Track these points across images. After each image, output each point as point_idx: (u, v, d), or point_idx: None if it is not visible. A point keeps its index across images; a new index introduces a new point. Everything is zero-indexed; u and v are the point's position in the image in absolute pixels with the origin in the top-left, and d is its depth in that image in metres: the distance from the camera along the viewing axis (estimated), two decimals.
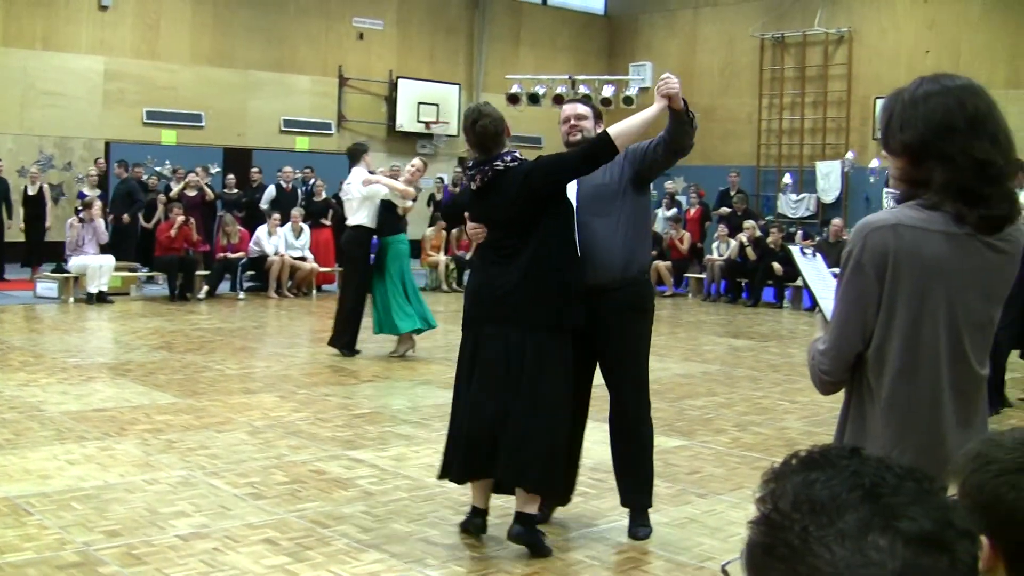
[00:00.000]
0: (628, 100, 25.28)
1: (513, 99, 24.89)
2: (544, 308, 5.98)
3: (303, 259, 20.03)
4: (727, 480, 7.82)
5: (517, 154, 6.20)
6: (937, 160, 3.03)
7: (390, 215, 12.78)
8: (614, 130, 5.97)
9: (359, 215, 12.86)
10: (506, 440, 5.90)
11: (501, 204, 6.09)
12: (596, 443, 8.84)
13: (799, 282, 20.19)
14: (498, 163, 6.11)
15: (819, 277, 3.62)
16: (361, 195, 12.76)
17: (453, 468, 6.22)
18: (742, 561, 1.31)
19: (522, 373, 5.93)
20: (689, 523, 6.72)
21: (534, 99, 24.82)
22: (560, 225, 6.02)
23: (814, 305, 3.54)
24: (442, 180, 24.76)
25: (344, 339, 12.87)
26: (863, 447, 3.00)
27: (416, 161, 13.38)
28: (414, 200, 13.07)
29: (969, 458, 1.91)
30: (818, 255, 3.80)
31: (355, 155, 13.40)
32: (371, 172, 13.16)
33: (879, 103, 24.51)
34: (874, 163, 23.88)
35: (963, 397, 3.14)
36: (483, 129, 6.13)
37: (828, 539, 1.21)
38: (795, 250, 3.82)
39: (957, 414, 3.12)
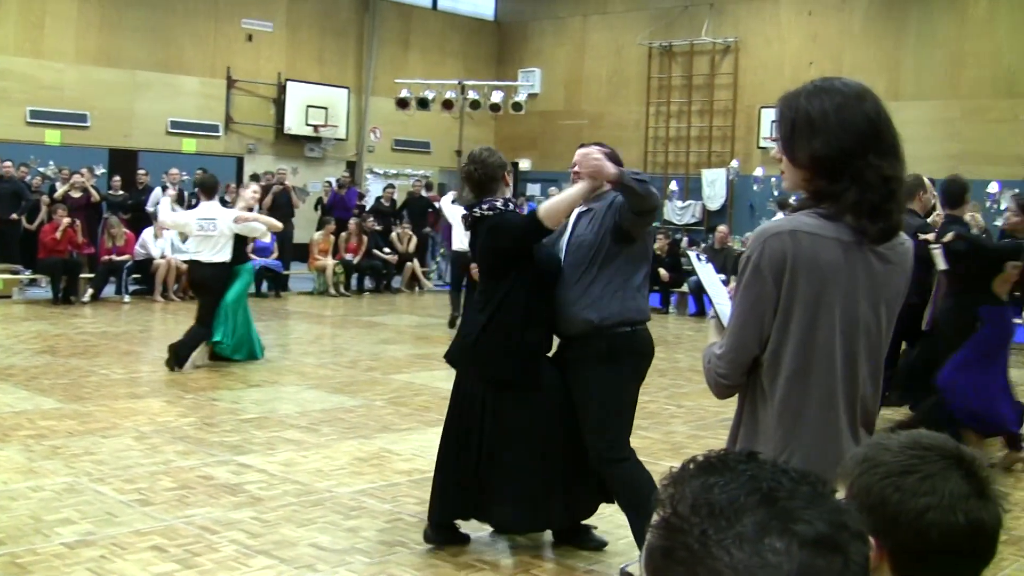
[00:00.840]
0: (517, 106, 25.37)
1: (402, 103, 24.83)
2: (497, 364, 6.04)
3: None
4: None
5: (498, 203, 6.16)
6: (852, 179, 3.09)
7: (241, 244, 12.74)
8: (542, 210, 5.93)
9: (224, 251, 12.40)
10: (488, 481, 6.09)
11: (477, 250, 6.26)
12: None
13: (684, 288, 20.46)
14: (475, 209, 6.17)
15: (713, 282, 3.68)
16: (230, 232, 12.46)
17: (437, 507, 6.30)
18: (641, 564, 1.33)
19: (482, 423, 6.05)
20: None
21: (423, 104, 24.80)
22: (527, 281, 6.00)
23: (711, 310, 3.58)
24: (330, 183, 24.62)
25: (183, 353, 12.24)
26: (758, 450, 3.11)
27: (254, 186, 14.11)
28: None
29: (857, 461, 1.98)
30: (709, 262, 3.87)
31: (212, 189, 12.89)
32: (224, 203, 13.03)
33: (764, 112, 25.09)
34: (758, 171, 24.27)
35: (854, 401, 3.21)
36: (467, 174, 6.26)
37: (727, 542, 1.24)
38: (692, 255, 3.88)
39: (848, 417, 3.19)
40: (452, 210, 15.98)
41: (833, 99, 3.13)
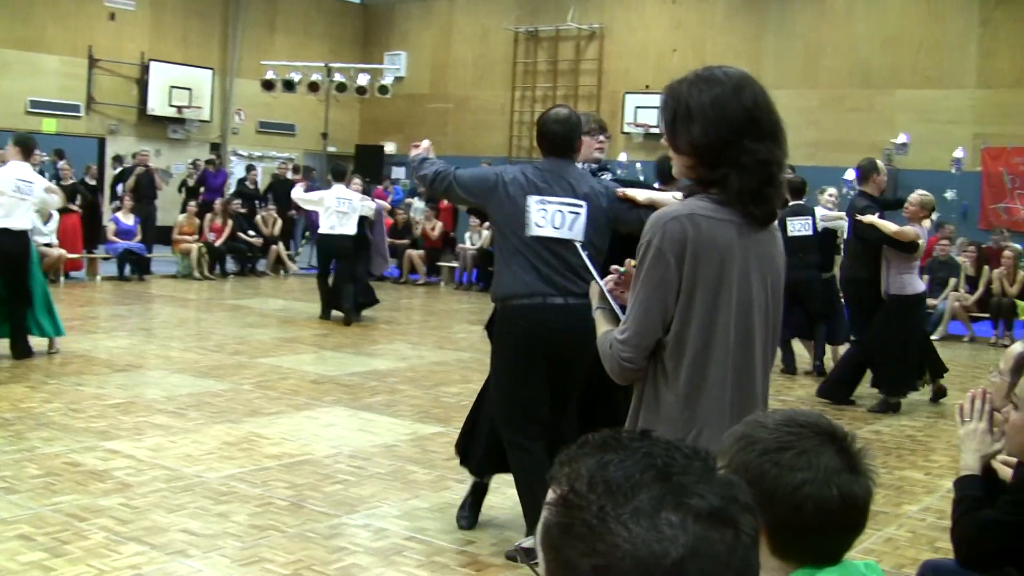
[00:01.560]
0: (383, 89, 25.35)
1: (268, 85, 24.65)
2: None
3: (50, 245, 19.42)
4: None
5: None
6: (730, 165, 3.20)
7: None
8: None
9: (28, 217, 11.85)
10: None
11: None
12: (352, 431, 8.98)
13: None
14: None
15: (595, 272, 3.75)
16: (39, 199, 11.93)
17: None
18: (537, 541, 1.39)
19: None
20: (449, 508, 6.85)
21: (289, 86, 24.62)
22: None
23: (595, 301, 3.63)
24: (195, 165, 24.31)
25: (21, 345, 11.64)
26: (655, 430, 3.22)
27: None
28: None
29: (735, 439, 2.09)
30: (584, 250, 3.95)
31: (30, 150, 12.10)
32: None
33: (628, 98, 25.37)
34: (622, 156, 24.53)
35: (749, 377, 3.33)
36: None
37: (624, 517, 1.29)
38: (578, 246, 3.95)
39: (741, 394, 3.31)
40: (314, 197, 15.84)
41: (712, 89, 3.23)
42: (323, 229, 15.65)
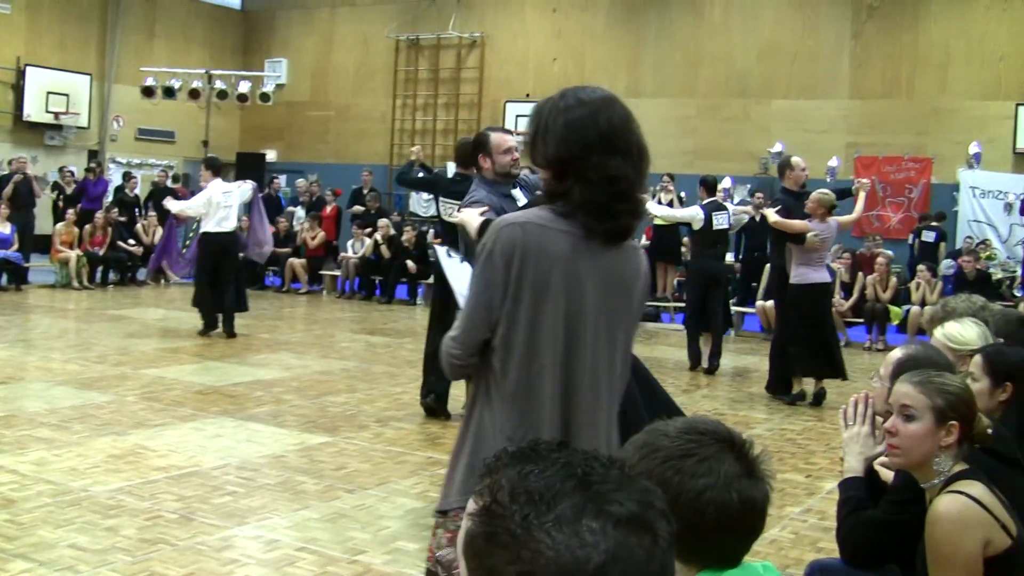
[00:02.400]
0: (265, 97, 25.23)
1: (148, 92, 24.37)
2: None
3: None
4: (373, 475, 8.04)
5: None
6: (576, 178, 3.32)
7: None
8: None
9: None
10: None
11: None
12: (239, 441, 8.96)
13: (431, 280, 20.71)
14: None
15: (461, 278, 3.86)
16: None
17: None
18: (458, 550, 1.46)
19: None
20: (339, 518, 6.90)
21: (169, 92, 24.38)
22: None
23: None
24: (72, 173, 23.87)
25: None
26: (488, 428, 3.33)
27: None
28: None
29: (637, 447, 2.17)
30: (465, 262, 4.05)
31: None
32: None
33: (509, 107, 25.53)
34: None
35: (574, 384, 3.43)
36: None
37: (547, 525, 1.36)
38: (442, 251, 4.05)
39: (564, 398, 3.41)
40: (199, 201, 15.04)
41: (571, 110, 3.36)
42: (209, 227, 14.93)
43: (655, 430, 2.21)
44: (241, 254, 16.21)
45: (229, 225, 15.05)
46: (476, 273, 3.40)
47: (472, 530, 1.42)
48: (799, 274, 11.53)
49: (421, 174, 12.33)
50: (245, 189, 15.64)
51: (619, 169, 3.33)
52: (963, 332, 5.00)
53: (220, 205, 14.86)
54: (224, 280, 15.16)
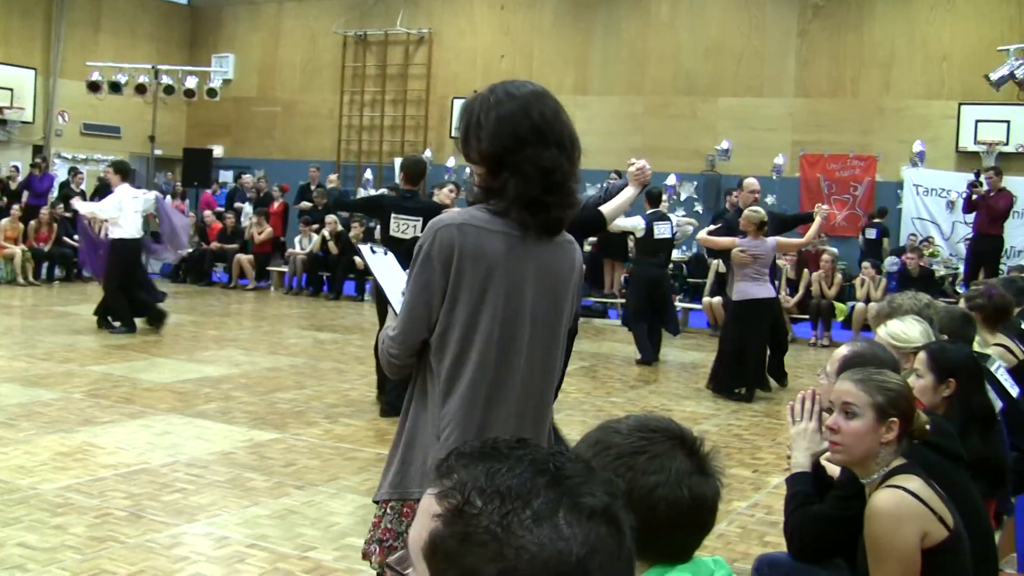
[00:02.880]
0: (212, 92, 25.10)
1: (94, 87, 24.18)
2: None
3: None
4: (323, 471, 8.05)
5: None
6: (510, 172, 3.36)
7: None
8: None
9: None
10: None
11: None
12: (188, 439, 8.94)
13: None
14: None
15: (389, 273, 3.88)
16: None
17: None
18: (415, 552, 1.46)
19: None
20: (289, 514, 6.91)
21: (115, 87, 24.20)
22: None
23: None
24: (17, 169, 23.64)
25: None
26: (425, 424, 3.37)
27: None
28: None
29: (589, 444, 2.21)
30: (389, 253, 4.05)
31: None
32: None
33: (457, 103, 25.56)
34: (451, 161, 24.72)
35: (512, 388, 3.48)
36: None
37: (527, 522, 1.38)
38: (365, 249, 4.04)
39: (500, 403, 3.47)
40: (111, 205, 14.65)
41: (501, 104, 3.39)
42: (123, 234, 14.64)
43: (607, 427, 2.25)
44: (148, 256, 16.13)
45: (138, 231, 14.92)
46: (414, 274, 3.43)
47: (440, 532, 1.43)
48: (740, 290, 11.87)
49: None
50: (148, 198, 15.49)
51: (553, 160, 3.37)
52: (906, 330, 5.09)
53: (130, 210, 14.63)
54: (136, 284, 15.09)
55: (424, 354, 3.49)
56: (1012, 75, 17.67)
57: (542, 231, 3.43)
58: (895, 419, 3.66)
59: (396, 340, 3.47)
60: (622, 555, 1.44)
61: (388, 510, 3.61)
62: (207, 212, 24.32)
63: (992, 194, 17.89)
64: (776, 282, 13.72)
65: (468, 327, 3.40)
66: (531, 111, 3.37)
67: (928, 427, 3.77)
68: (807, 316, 17.91)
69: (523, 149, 3.33)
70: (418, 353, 3.50)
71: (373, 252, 3.97)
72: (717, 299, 15.76)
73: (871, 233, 20.57)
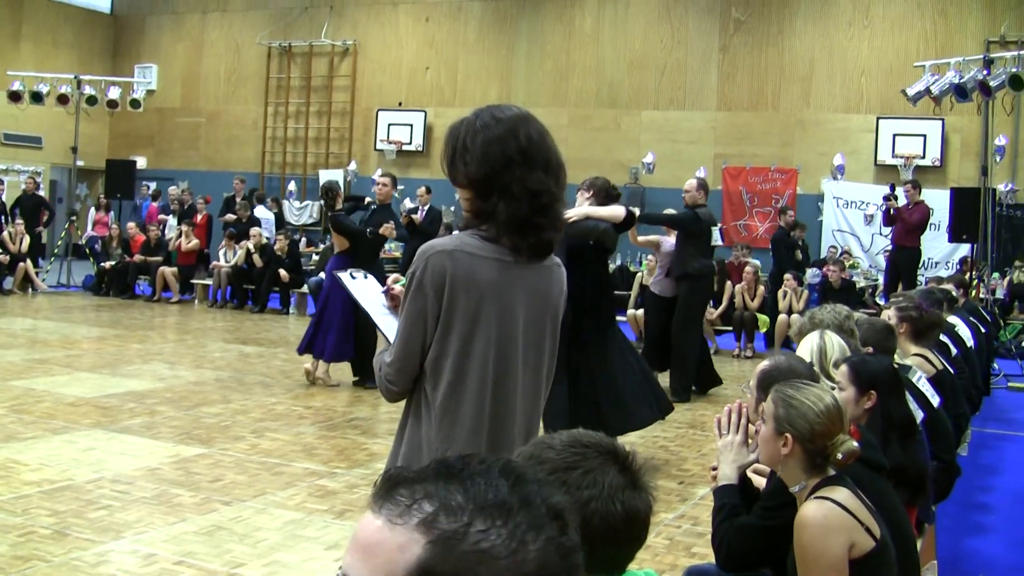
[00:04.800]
0: (136, 103, 24.90)
1: (14, 96, 23.92)
2: None
3: None
4: (250, 486, 8.01)
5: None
6: (499, 195, 3.38)
7: None
8: None
9: None
10: None
11: None
12: (113, 454, 8.88)
13: (304, 289, 20.64)
14: None
15: (371, 296, 3.89)
16: None
17: None
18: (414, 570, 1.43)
19: None
20: (217, 530, 6.88)
21: (37, 97, 23.96)
22: None
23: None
24: None
25: None
26: (421, 449, 3.39)
27: None
28: None
29: (523, 459, 2.24)
30: (369, 276, 4.06)
31: None
32: None
33: (381, 115, 25.59)
34: (376, 173, 24.65)
35: (507, 408, 3.51)
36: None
37: (522, 533, 1.42)
38: (345, 275, 4.04)
39: (497, 422, 3.50)
40: None
41: (488, 128, 3.41)
42: None
43: (541, 443, 2.29)
44: None
45: None
46: (407, 302, 3.43)
47: (429, 558, 1.40)
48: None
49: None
50: None
51: (540, 183, 3.40)
52: (824, 344, 5.20)
53: None
54: None
55: (418, 380, 3.50)
56: (928, 90, 17.97)
57: (533, 253, 3.45)
58: (788, 435, 3.73)
59: (393, 367, 3.48)
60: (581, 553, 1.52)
61: None
62: (130, 224, 24.11)
63: (909, 207, 18.19)
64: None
65: (462, 353, 3.41)
66: (518, 134, 3.40)
67: (850, 452, 3.77)
68: (730, 328, 18.09)
69: (511, 171, 3.36)
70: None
71: (353, 278, 3.98)
72: (641, 311, 15.83)
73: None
